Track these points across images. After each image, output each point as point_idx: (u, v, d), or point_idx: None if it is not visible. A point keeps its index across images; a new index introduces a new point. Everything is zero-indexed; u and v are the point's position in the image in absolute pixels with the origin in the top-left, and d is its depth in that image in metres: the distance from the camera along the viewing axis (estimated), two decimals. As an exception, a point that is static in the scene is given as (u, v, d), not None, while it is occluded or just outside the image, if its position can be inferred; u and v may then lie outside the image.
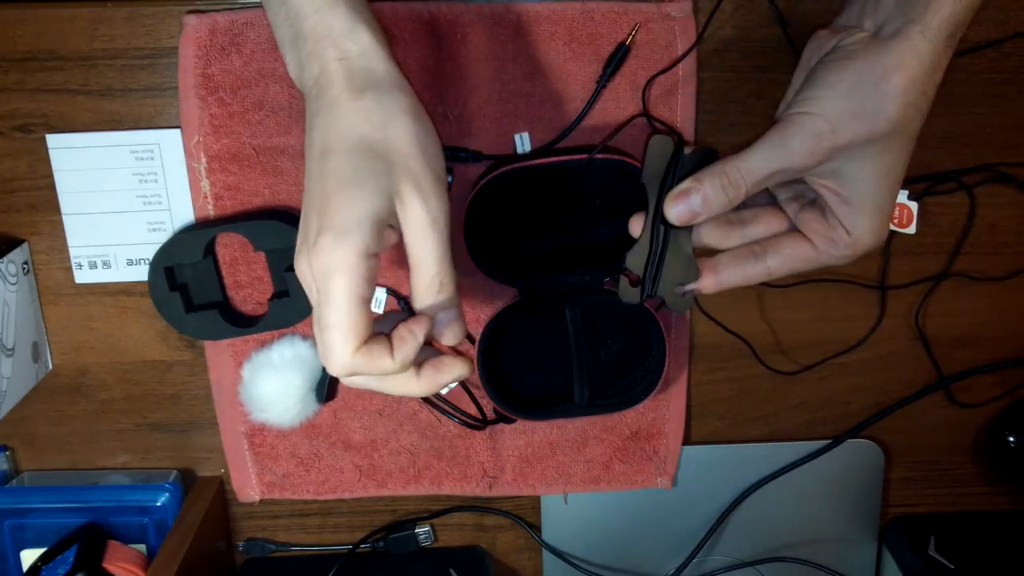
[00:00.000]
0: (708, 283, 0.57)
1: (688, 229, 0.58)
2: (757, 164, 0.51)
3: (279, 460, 0.72)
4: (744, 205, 0.55)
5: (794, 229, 0.56)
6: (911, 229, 0.68)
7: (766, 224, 0.57)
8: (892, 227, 0.68)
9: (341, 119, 0.47)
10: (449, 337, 0.50)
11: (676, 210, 0.54)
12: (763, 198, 0.58)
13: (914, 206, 0.68)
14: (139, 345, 0.70)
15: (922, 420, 0.75)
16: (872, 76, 0.49)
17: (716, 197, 0.52)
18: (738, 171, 0.52)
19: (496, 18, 0.63)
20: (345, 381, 0.49)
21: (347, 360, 0.46)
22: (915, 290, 0.72)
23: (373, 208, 0.45)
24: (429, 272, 0.48)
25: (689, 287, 0.58)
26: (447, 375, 0.51)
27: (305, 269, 0.47)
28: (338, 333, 0.45)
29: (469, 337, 0.69)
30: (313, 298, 0.47)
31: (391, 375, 0.48)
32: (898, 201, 0.68)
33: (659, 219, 0.57)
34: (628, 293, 0.61)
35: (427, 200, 0.47)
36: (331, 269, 0.45)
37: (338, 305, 0.45)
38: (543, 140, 0.65)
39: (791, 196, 0.57)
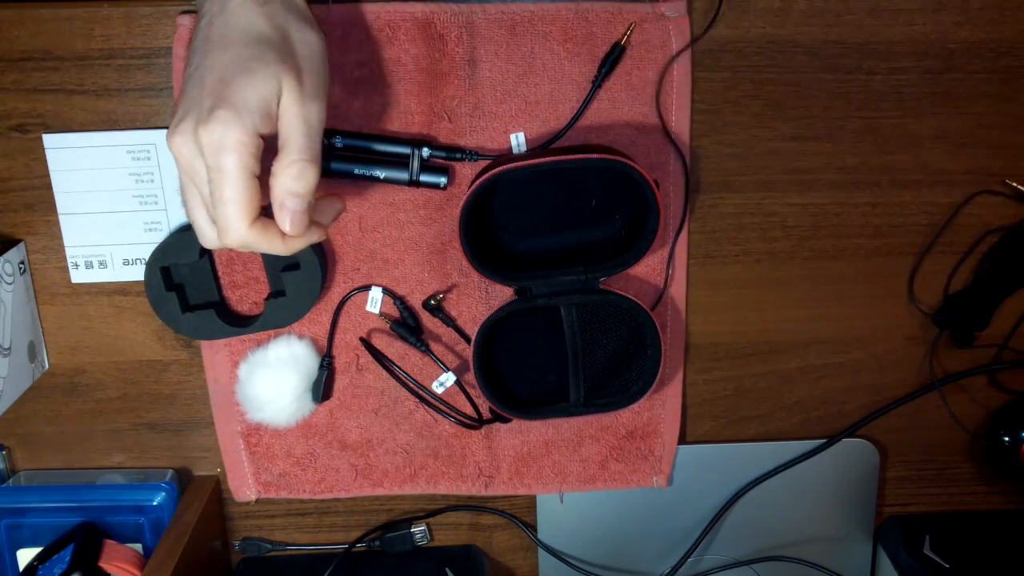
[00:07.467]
0: None
1: None
2: None
3: (275, 460, 0.73)
4: None
5: None
6: None
7: None
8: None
9: (244, 16, 0.51)
10: (285, 223, 0.51)
11: None
12: None
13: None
14: (135, 345, 0.70)
15: (917, 419, 0.75)
16: None
17: None
18: None
19: (491, 18, 0.63)
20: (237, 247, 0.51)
21: (243, 233, 0.49)
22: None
23: (266, 90, 0.49)
24: (290, 156, 0.50)
25: None
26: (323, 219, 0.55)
27: (188, 147, 0.49)
28: (234, 207, 0.48)
29: (465, 337, 0.70)
30: (201, 177, 0.49)
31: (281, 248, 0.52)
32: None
33: None
34: None
35: (304, 96, 0.50)
36: (224, 145, 0.48)
37: (233, 180, 0.48)
38: (538, 140, 0.66)
39: None
